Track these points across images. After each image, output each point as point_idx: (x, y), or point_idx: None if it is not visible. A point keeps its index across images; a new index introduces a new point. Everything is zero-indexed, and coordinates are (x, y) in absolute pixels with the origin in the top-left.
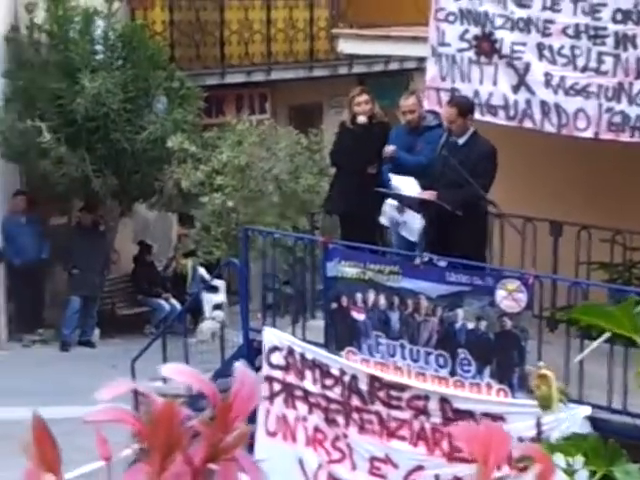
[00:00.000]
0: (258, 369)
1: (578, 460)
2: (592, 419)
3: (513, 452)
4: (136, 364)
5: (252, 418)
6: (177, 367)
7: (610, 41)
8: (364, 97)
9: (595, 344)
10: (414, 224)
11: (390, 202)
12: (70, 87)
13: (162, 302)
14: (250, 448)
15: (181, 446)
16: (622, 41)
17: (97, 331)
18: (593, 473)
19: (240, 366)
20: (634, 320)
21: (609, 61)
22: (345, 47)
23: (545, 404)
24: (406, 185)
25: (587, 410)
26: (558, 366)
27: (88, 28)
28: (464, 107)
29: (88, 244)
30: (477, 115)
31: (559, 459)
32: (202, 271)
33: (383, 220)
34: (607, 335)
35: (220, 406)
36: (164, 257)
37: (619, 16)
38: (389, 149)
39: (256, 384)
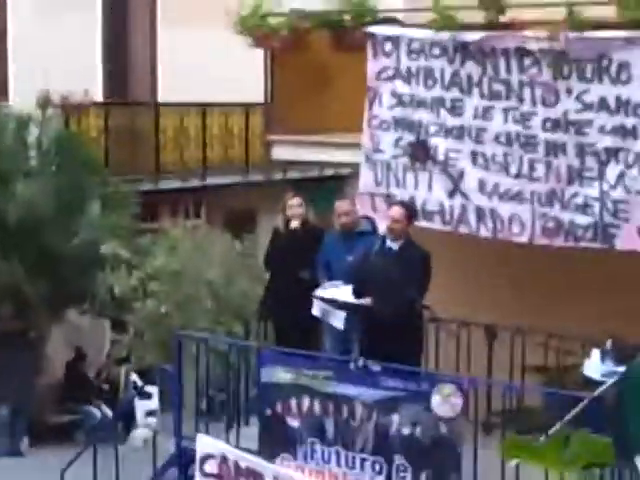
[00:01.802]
0: (191, 478)
1: None
2: None
3: None
4: (67, 474)
5: None
6: None
7: (541, 149)
8: (297, 200)
9: None
10: (339, 312)
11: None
12: (2, 193)
13: (93, 409)
14: None
15: None
16: (552, 149)
17: (26, 439)
18: None
19: None
20: (563, 455)
21: (540, 168)
22: (279, 153)
23: None
24: (341, 295)
25: None
26: (494, 470)
27: (22, 134)
28: (413, 211)
29: (16, 352)
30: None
31: None
32: (135, 377)
33: (314, 311)
34: (542, 440)
35: None
36: (97, 363)
37: (548, 125)
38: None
39: None
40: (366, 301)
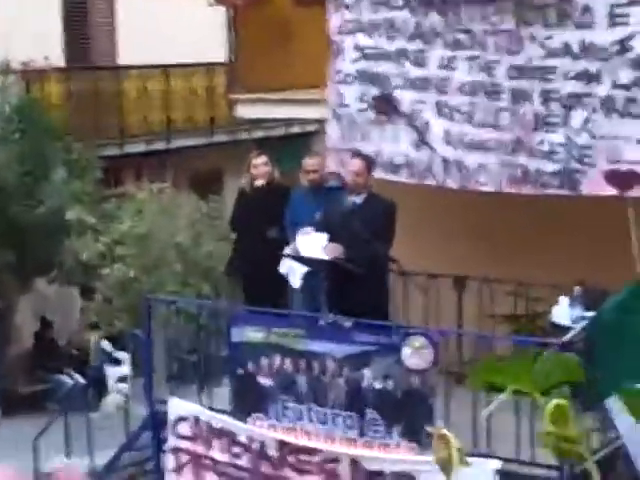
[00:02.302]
0: (164, 441)
1: None
2: (501, 472)
3: None
4: (40, 442)
5: None
6: None
7: (506, 97)
8: (262, 159)
9: (501, 397)
10: (298, 270)
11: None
12: None
13: (64, 377)
14: None
15: None
16: (517, 96)
17: None
18: None
19: (63, 466)
20: (532, 375)
21: (506, 116)
22: (243, 112)
23: (445, 466)
24: (312, 244)
25: (496, 464)
26: (466, 420)
27: None
28: (371, 162)
29: None
30: (380, 174)
31: None
32: (105, 344)
33: (281, 269)
34: (512, 388)
35: None
36: (66, 331)
37: (513, 72)
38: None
39: None
40: (336, 249)
